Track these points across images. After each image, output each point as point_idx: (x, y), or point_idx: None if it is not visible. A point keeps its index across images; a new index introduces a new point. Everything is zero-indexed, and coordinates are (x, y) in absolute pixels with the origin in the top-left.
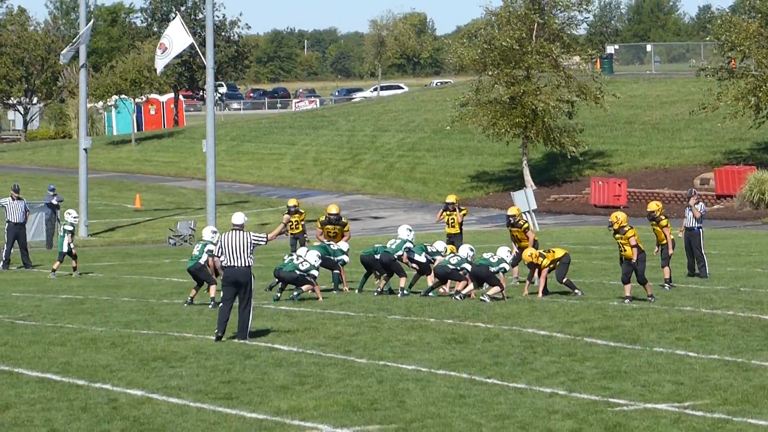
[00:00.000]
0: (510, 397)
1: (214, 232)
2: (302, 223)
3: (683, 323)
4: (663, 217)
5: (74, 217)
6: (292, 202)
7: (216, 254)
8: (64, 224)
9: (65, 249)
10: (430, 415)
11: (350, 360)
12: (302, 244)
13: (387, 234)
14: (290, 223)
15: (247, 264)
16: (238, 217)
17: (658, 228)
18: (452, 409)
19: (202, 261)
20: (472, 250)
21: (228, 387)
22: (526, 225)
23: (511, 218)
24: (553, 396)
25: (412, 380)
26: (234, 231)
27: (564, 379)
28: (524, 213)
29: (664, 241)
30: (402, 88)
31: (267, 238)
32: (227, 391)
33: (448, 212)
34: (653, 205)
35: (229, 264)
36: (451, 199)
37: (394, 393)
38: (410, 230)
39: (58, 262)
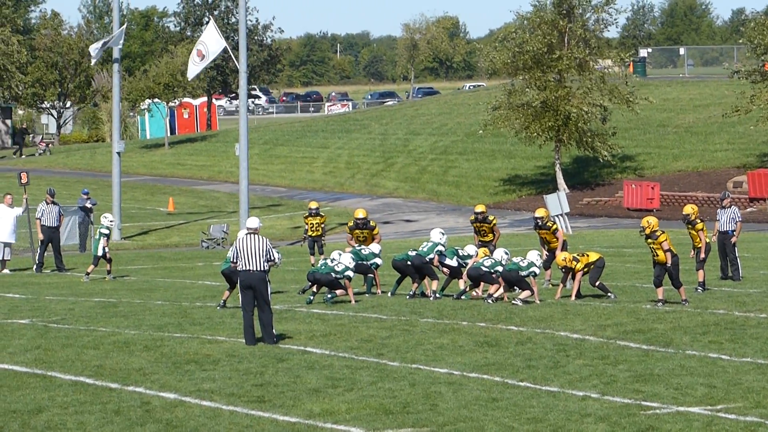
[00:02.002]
0: (542, 400)
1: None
2: (322, 225)
3: (716, 326)
4: (699, 221)
5: (110, 221)
6: (313, 205)
7: (231, 259)
8: (100, 227)
9: (100, 252)
10: (463, 418)
11: (382, 363)
12: (320, 248)
13: (419, 237)
14: (311, 226)
15: (262, 268)
16: (253, 221)
17: (693, 231)
18: (485, 413)
19: None
20: (506, 253)
21: (260, 390)
22: (554, 227)
23: (538, 220)
24: (586, 399)
25: (444, 383)
26: (249, 235)
27: (596, 382)
28: (557, 216)
29: (700, 245)
30: (436, 92)
31: (280, 258)
32: (260, 395)
33: (478, 223)
34: (689, 209)
35: (244, 268)
36: (480, 208)
37: (426, 396)
38: (443, 233)
39: (92, 266)
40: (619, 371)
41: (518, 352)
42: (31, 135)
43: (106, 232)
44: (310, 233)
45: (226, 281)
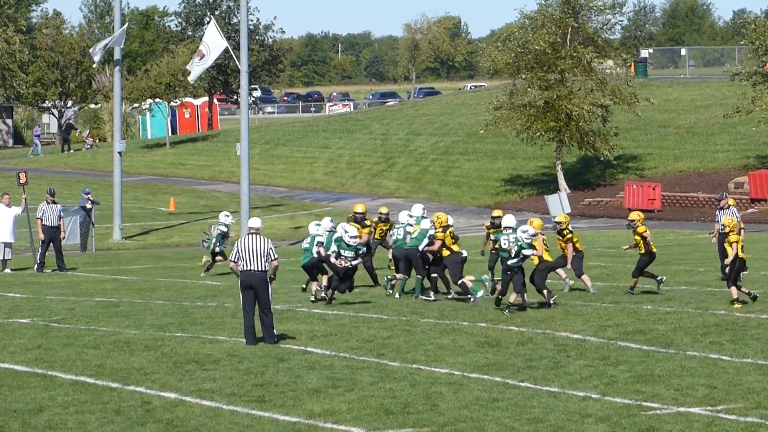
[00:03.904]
0: (543, 400)
1: (318, 225)
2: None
3: (717, 327)
4: (641, 225)
5: (231, 220)
6: (383, 210)
7: (232, 259)
8: (219, 225)
9: (217, 249)
10: (463, 418)
11: (383, 363)
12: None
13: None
14: (380, 231)
15: (263, 268)
16: (255, 221)
17: (637, 237)
18: (485, 413)
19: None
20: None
21: (261, 390)
22: (569, 236)
23: (557, 225)
24: (587, 400)
25: (445, 384)
26: (251, 235)
27: (597, 383)
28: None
29: (642, 251)
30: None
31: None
32: (260, 394)
33: (495, 228)
34: (635, 215)
35: (245, 268)
36: (497, 213)
37: (427, 396)
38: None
39: (210, 261)
40: (619, 372)
41: (519, 353)
42: (77, 130)
43: (225, 230)
44: (376, 237)
45: (307, 274)
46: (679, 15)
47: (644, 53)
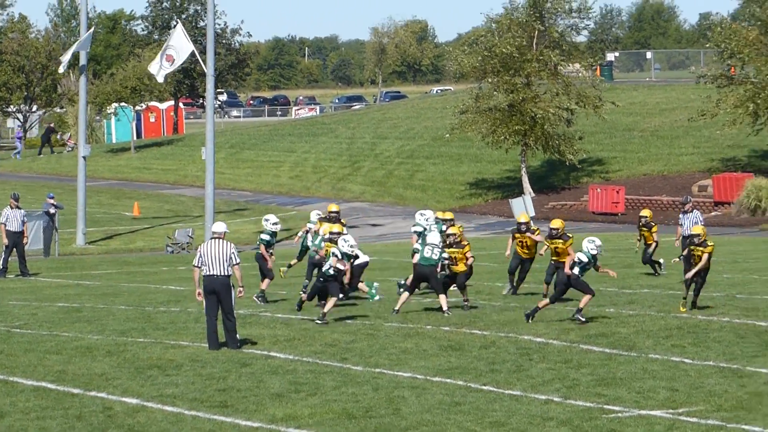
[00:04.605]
0: (505, 404)
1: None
2: None
3: (679, 330)
4: (569, 235)
5: (273, 224)
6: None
7: (195, 264)
8: (263, 233)
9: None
10: (426, 422)
11: (346, 367)
12: None
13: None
14: None
15: (225, 273)
16: (219, 226)
17: (562, 246)
18: (447, 417)
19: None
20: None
21: (223, 395)
22: (537, 231)
23: (522, 225)
24: (549, 403)
25: (407, 387)
26: (214, 240)
27: (559, 386)
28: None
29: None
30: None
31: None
32: (222, 399)
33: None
34: (557, 222)
35: (208, 273)
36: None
37: (389, 400)
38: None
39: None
40: (581, 375)
41: (482, 356)
42: (59, 133)
43: (267, 238)
44: None
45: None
46: (645, 18)
47: (610, 57)
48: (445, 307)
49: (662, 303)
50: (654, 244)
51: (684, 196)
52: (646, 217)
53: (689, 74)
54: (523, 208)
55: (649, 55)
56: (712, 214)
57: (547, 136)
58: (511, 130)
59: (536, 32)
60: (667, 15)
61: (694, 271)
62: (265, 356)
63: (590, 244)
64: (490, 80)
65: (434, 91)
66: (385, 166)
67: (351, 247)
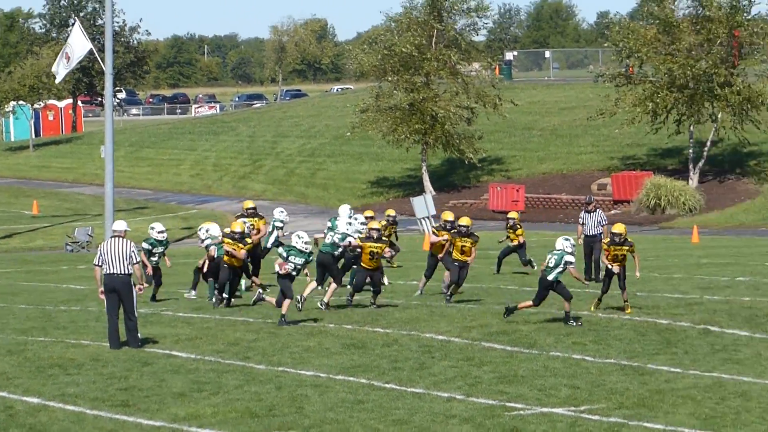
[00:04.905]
0: (408, 401)
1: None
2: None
3: (580, 327)
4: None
5: (159, 232)
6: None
7: (95, 262)
8: (145, 241)
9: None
10: (329, 420)
11: (249, 366)
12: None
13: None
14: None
15: (126, 272)
16: (120, 224)
17: (466, 244)
18: (350, 415)
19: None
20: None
21: (125, 394)
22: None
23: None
24: (451, 401)
25: (310, 386)
26: (114, 238)
27: (461, 384)
28: (423, 219)
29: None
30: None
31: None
32: (124, 399)
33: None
34: (464, 220)
35: (108, 271)
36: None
37: (292, 399)
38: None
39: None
40: (483, 372)
41: (384, 354)
42: None
43: (147, 247)
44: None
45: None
46: (543, 17)
47: (509, 56)
48: (326, 299)
49: (563, 301)
50: (518, 244)
51: (587, 195)
52: (514, 218)
53: (588, 73)
54: (424, 206)
55: (547, 54)
56: (612, 212)
57: (448, 135)
58: (411, 128)
59: (435, 31)
60: (566, 14)
61: (617, 268)
62: (167, 355)
63: (566, 242)
64: (390, 79)
65: (335, 90)
66: (286, 164)
67: (305, 244)
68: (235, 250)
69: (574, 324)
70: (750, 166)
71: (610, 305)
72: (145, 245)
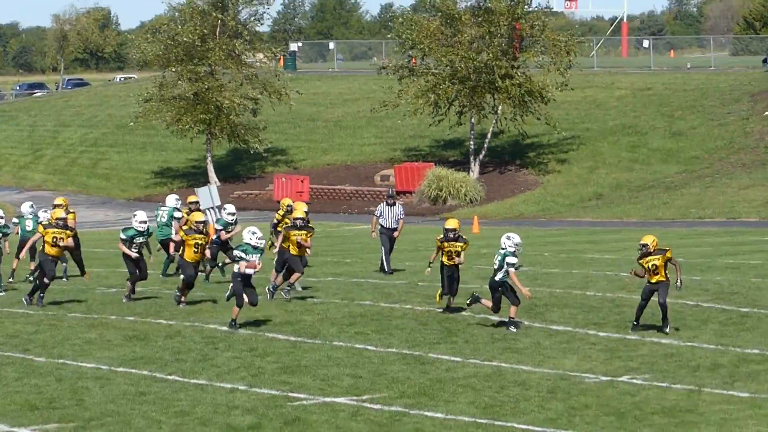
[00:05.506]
0: (191, 393)
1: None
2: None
3: (363, 317)
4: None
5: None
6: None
7: None
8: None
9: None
10: (110, 413)
11: (28, 359)
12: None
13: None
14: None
15: None
16: None
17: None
18: (132, 407)
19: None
20: None
21: None
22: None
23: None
24: (234, 392)
25: (91, 378)
26: None
27: (245, 375)
28: (208, 210)
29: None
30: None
31: None
32: None
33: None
34: (300, 209)
35: None
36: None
37: (73, 391)
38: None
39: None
40: (267, 363)
41: (167, 346)
42: None
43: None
44: None
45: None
46: (327, 9)
47: (293, 47)
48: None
49: (346, 291)
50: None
51: (388, 188)
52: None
53: (371, 65)
54: (209, 197)
55: (331, 45)
56: (382, 203)
57: (233, 126)
58: (195, 118)
59: (219, 21)
60: (349, 6)
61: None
62: None
63: (508, 241)
64: (173, 69)
65: (118, 79)
66: (68, 154)
67: (259, 239)
68: (62, 239)
69: (514, 330)
70: (530, 157)
71: (391, 294)
72: None
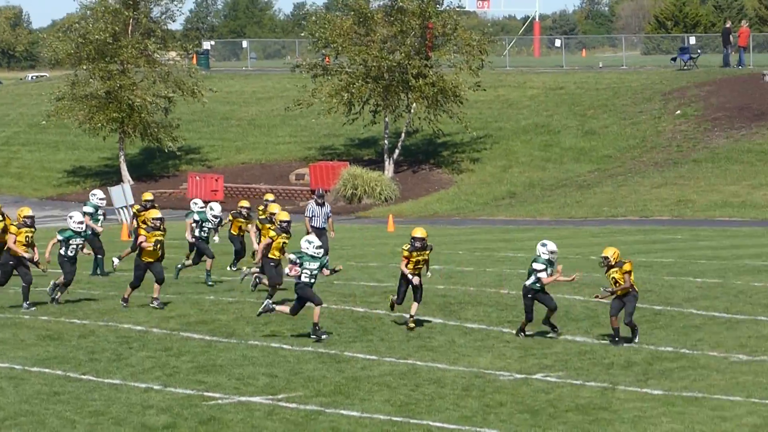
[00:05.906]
0: (105, 393)
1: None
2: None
3: (278, 316)
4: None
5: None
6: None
7: None
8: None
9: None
10: (24, 413)
11: None
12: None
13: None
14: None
15: None
16: None
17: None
18: (46, 407)
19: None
20: None
21: None
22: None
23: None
24: (149, 391)
25: (5, 378)
26: None
27: (160, 374)
28: (121, 208)
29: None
30: None
31: None
32: None
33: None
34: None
35: None
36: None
37: None
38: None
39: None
40: (182, 362)
41: (81, 345)
42: None
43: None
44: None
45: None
46: (240, 7)
47: (206, 45)
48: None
49: (260, 291)
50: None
51: (318, 188)
52: (249, 207)
53: (285, 64)
54: (122, 196)
55: (245, 44)
56: (310, 202)
57: (146, 124)
58: (108, 117)
59: (131, 19)
60: (262, 4)
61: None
62: None
63: (543, 248)
64: (85, 67)
65: (29, 78)
66: None
67: (317, 249)
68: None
69: (554, 336)
70: (443, 156)
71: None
72: None
